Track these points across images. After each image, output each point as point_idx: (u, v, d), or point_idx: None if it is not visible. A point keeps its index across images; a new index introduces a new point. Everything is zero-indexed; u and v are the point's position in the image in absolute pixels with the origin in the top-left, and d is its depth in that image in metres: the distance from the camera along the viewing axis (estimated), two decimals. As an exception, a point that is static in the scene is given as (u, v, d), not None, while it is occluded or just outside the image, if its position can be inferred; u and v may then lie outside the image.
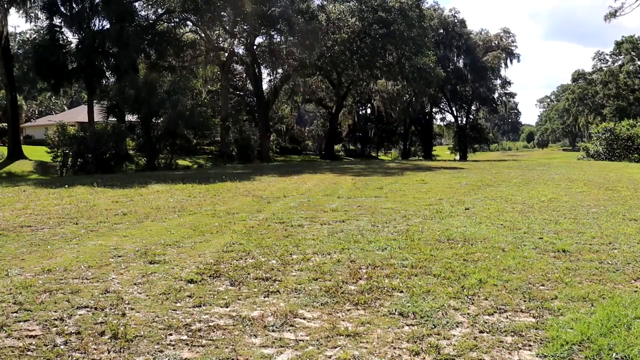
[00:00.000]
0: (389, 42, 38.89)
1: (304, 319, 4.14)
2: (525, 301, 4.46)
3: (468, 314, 4.21)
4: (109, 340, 3.68)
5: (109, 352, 3.51)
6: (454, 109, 62.41)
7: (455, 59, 59.82)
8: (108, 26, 30.88)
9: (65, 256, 6.04)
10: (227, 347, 3.61)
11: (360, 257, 5.88)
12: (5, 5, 30.62)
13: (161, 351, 3.55)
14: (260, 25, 34.81)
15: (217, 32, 37.81)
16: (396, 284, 4.93)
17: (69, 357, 3.46)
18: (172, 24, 36.32)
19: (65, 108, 68.36)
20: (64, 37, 31.57)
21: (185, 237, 7.12)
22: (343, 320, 4.12)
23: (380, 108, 53.21)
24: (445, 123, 71.54)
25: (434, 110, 63.77)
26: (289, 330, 3.94)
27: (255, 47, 38.30)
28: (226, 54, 38.75)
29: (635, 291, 4.67)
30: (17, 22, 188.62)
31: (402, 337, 3.77)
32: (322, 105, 55.14)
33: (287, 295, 4.67)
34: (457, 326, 3.97)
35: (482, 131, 65.70)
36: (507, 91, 65.88)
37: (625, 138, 27.07)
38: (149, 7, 35.18)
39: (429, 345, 3.61)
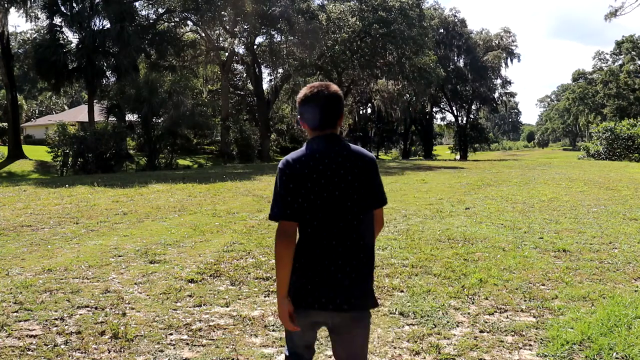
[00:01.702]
0: (390, 42, 38.87)
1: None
2: (525, 301, 4.46)
3: (468, 313, 4.21)
4: (110, 340, 3.68)
5: (109, 352, 3.51)
6: (454, 108, 62.39)
7: (455, 58, 59.80)
8: (108, 26, 30.83)
9: (66, 256, 6.04)
10: (227, 347, 3.62)
11: (361, 256, 5.87)
12: (6, 5, 30.60)
13: (161, 351, 3.55)
14: (260, 25, 34.81)
15: (218, 31, 37.78)
16: (396, 283, 4.93)
17: (69, 356, 3.46)
18: (173, 24, 36.31)
19: (66, 108, 68.37)
20: (65, 37, 31.55)
21: (186, 236, 7.12)
22: (343, 320, 4.12)
23: (381, 108, 53.16)
24: (445, 123, 71.53)
25: (434, 109, 63.75)
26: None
27: (255, 46, 38.29)
28: (226, 54, 38.74)
29: (636, 291, 4.67)
30: (17, 22, 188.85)
31: (403, 337, 3.77)
32: (322, 105, 55.04)
33: (287, 295, 4.66)
34: (457, 326, 3.97)
35: (483, 131, 65.64)
36: (508, 91, 65.79)
37: (625, 138, 27.01)
38: (149, 6, 35.18)
39: (430, 345, 3.61)
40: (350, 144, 2.37)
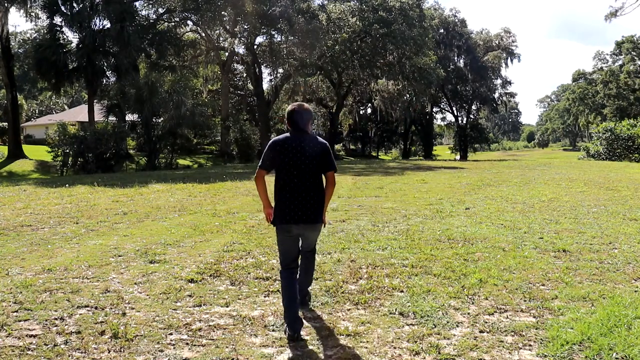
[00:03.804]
0: (390, 42, 38.85)
1: (304, 318, 4.14)
2: (525, 301, 4.46)
3: (468, 313, 4.21)
4: (109, 340, 3.68)
5: (109, 352, 3.51)
6: (454, 108, 62.39)
7: (455, 58, 59.78)
8: (108, 26, 30.83)
9: (66, 255, 6.04)
10: (227, 347, 3.62)
11: (361, 256, 5.88)
12: (6, 5, 30.60)
13: (161, 350, 3.55)
14: (260, 25, 34.79)
15: (218, 31, 37.78)
16: (396, 283, 4.93)
17: (69, 356, 3.46)
18: (173, 24, 36.31)
19: (66, 107, 68.40)
20: (65, 37, 31.55)
21: (186, 236, 7.12)
22: (343, 320, 4.13)
23: (381, 108, 53.15)
24: (445, 123, 71.55)
25: (434, 110, 63.76)
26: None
27: (255, 46, 38.29)
28: (227, 54, 38.75)
29: (636, 291, 4.67)
30: (17, 22, 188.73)
31: (403, 337, 3.77)
32: (322, 105, 55.11)
33: (287, 295, 4.67)
34: (457, 326, 3.97)
35: (483, 131, 65.64)
36: (508, 91, 65.81)
37: (625, 138, 26.99)
38: (150, 6, 35.20)
39: (429, 345, 3.61)
40: (314, 136, 4.07)
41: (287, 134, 4.05)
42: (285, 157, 3.95)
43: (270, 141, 4.04)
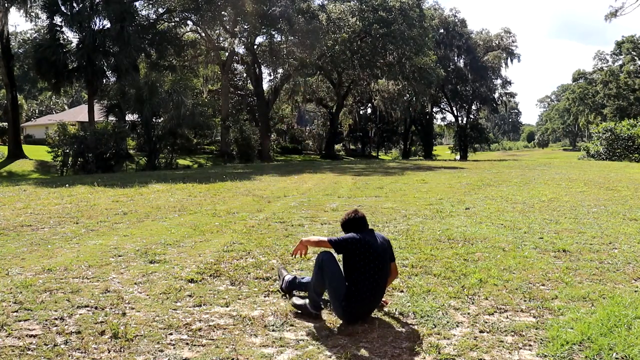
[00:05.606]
0: (390, 42, 38.87)
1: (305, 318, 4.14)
2: (525, 301, 4.46)
3: (468, 313, 4.21)
4: (109, 340, 3.68)
5: (109, 352, 3.51)
6: (454, 108, 62.40)
7: (455, 58, 59.80)
8: (108, 25, 30.82)
9: (66, 255, 6.03)
10: (227, 347, 3.62)
11: (361, 256, 5.87)
12: (6, 5, 30.60)
13: (161, 350, 3.55)
14: (260, 25, 34.80)
15: (218, 31, 37.79)
16: (396, 283, 4.93)
17: (69, 356, 3.46)
18: (173, 24, 36.32)
19: (66, 107, 68.41)
20: (65, 37, 31.53)
21: (186, 236, 7.12)
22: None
23: (381, 108, 53.18)
24: (445, 123, 71.57)
25: (434, 110, 63.76)
26: (289, 330, 3.95)
27: (255, 46, 38.30)
28: (227, 54, 38.75)
29: (636, 291, 4.67)
30: (17, 22, 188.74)
31: (403, 337, 3.78)
32: (322, 105, 55.15)
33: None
34: (457, 326, 3.97)
35: (483, 131, 65.64)
36: (508, 91, 65.84)
37: (625, 138, 26.99)
38: (150, 6, 35.22)
39: (429, 345, 3.61)
40: (378, 232, 4.36)
41: (358, 234, 4.14)
42: (368, 252, 4.05)
43: (354, 236, 4.11)
